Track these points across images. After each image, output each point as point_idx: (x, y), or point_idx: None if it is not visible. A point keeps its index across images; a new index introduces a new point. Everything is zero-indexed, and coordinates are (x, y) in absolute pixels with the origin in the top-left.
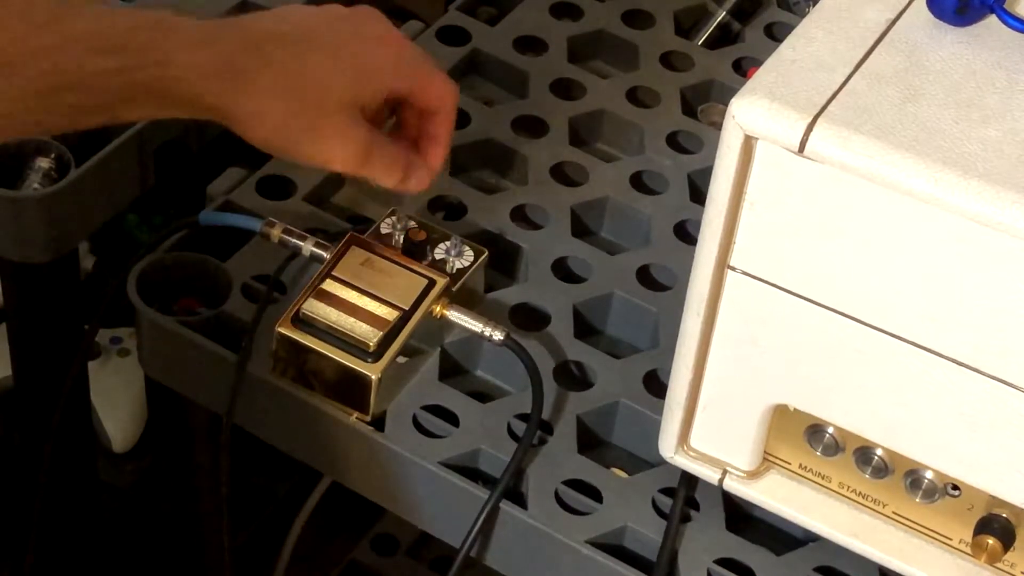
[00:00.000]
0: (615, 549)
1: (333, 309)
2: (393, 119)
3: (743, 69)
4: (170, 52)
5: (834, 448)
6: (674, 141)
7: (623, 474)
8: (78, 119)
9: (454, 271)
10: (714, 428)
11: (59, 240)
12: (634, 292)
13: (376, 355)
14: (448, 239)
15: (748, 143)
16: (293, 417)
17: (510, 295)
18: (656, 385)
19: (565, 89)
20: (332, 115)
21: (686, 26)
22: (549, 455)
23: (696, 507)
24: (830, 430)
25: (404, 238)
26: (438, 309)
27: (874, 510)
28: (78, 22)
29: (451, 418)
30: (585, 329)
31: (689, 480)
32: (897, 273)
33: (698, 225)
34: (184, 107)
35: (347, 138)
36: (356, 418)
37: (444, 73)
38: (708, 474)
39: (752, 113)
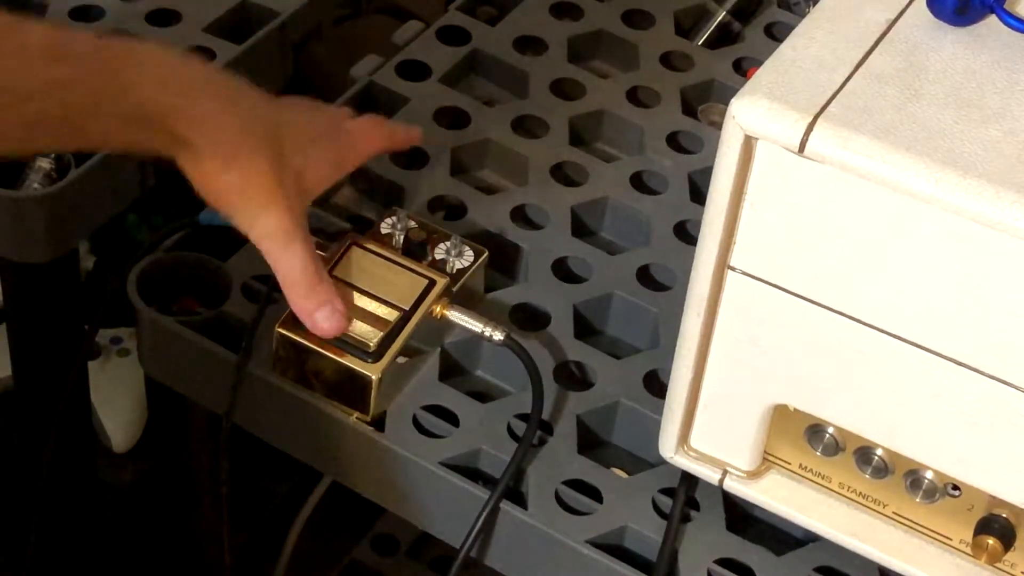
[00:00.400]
0: (615, 549)
1: None
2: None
3: (743, 69)
4: (137, 62)
5: (834, 448)
6: (674, 141)
7: (623, 474)
8: (48, 135)
9: (454, 271)
10: (714, 428)
11: (59, 240)
12: (634, 292)
13: (376, 355)
14: (448, 239)
15: (748, 143)
16: (293, 417)
17: (510, 295)
18: (656, 385)
19: (565, 89)
20: (287, 179)
21: (686, 26)
22: (549, 455)
23: (696, 507)
24: (830, 430)
25: (404, 238)
26: (438, 309)
27: (874, 510)
28: (33, 35)
29: (451, 418)
30: (585, 329)
31: (689, 480)
32: (897, 273)
33: (698, 225)
34: (145, 126)
35: (290, 211)
36: (356, 418)
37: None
38: (708, 474)
39: (752, 113)
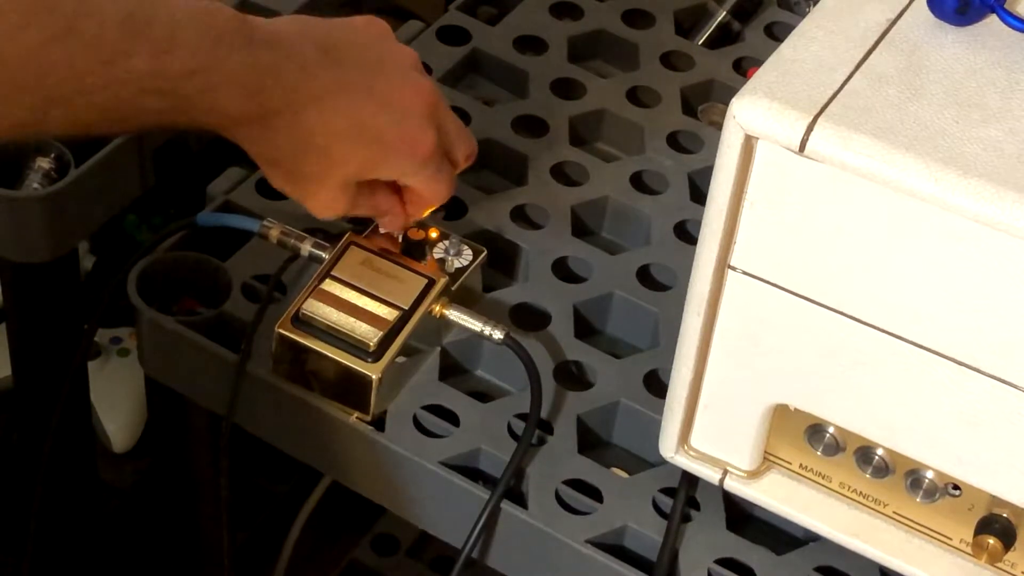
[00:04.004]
0: (615, 549)
1: (333, 309)
2: None
3: (743, 69)
4: (216, 103)
5: (834, 448)
6: (674, 141)
7: (623, 474)
8: (104, 134)
9: (453, 270)
10: (714, 428)
11: (59, 240)
12: (634, 292)
13: (376, 355)
14: (447, 238)
15: (748, 143)
16: (293, 417)
17: (510, 295)
18: (656, 385)
19: (565, 89)
20: (327, 188)
21: (686, 26)
22: (549, 455)
23: (696, 507)
24: (830, 430)
25: (403, 237)
26: (438, 308)
27: (874, 510)
28: (139, 60)
29: (451, 418)
30: (585, 329)
31: (689, 480)
32: (897, 273)
33: (698, 225)
34: (207, 134)
35: (331, 206)
36: (356, 418)
37: (453, 174)
38: (708, 474)
39: (752, 113)
